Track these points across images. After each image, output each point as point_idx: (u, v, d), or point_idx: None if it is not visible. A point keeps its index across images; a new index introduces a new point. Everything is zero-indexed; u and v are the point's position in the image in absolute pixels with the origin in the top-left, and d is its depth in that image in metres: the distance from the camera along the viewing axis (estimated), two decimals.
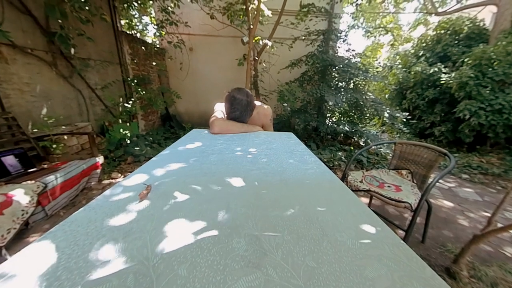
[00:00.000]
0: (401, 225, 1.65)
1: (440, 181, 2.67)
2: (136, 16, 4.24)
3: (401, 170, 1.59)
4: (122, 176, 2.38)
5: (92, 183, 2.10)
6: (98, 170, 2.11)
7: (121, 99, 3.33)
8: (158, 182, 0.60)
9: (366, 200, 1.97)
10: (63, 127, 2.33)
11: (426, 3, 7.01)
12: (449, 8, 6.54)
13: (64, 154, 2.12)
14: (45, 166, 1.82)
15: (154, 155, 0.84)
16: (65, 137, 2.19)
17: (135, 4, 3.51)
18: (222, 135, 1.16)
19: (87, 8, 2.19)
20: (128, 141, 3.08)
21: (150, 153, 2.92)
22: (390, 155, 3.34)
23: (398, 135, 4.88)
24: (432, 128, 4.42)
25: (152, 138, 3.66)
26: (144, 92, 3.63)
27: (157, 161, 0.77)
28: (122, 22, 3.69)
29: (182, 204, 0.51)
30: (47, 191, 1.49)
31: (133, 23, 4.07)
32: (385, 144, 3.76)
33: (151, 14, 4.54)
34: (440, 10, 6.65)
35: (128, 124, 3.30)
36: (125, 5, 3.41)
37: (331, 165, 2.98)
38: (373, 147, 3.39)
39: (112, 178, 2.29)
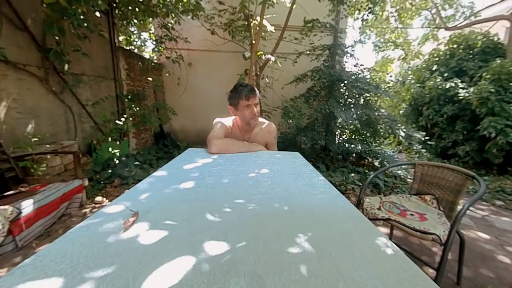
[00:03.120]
0: (430, 262, 1.55)
1: (471, 208, 2.56)
2: (135, 32, 4.57)
3: (424, 196, 1.54)
4: (107, 200, 2.34)
5: (73, 209, 2.06)
6: (81, 194, 2.08)
7: (112, 116, 3.42)
8: (146, 209, 0.59)
9: (385, 230, 1.88)
10: (48, 145, 2.37)
11: (435, 18, 7.51)
12: (460, 23, 6.98)
13: (45, 175, 2.12)
14: (23, 189, 1.81)
15: (144, 177, 0.83)
16: (48, 156, 2.21)
17: (135, 21, 3.82)
18: (220, 155, 1.16)
19: (85, 24, 2.38)
20: (117, 161, 3.09)
21: (140, 175, 2.91)
22: (410, 177, 3.27)
23: (417, 155, 4.84)
24: (455, 147, 4.39)
25: (143, 158, 3.67)
26: (137, 108, 3.75)
27: (147, 184, 0.77)
28: (121, 38, 3.97)
29: (173, 235, 0.49)
30: (20, 218, 1.45)
31: (132, 39, 4.37)
32: (403, 166, 3.70)
33: (151, 30, 4.90)
34: (449, 25, 7.09)
35: (118, 142, 3.35)
36: (125, 22, 3.70)
37: (344, 189, 2.91)
38: (389, 169, 3.34)
39: (95, 203, 2.25)
